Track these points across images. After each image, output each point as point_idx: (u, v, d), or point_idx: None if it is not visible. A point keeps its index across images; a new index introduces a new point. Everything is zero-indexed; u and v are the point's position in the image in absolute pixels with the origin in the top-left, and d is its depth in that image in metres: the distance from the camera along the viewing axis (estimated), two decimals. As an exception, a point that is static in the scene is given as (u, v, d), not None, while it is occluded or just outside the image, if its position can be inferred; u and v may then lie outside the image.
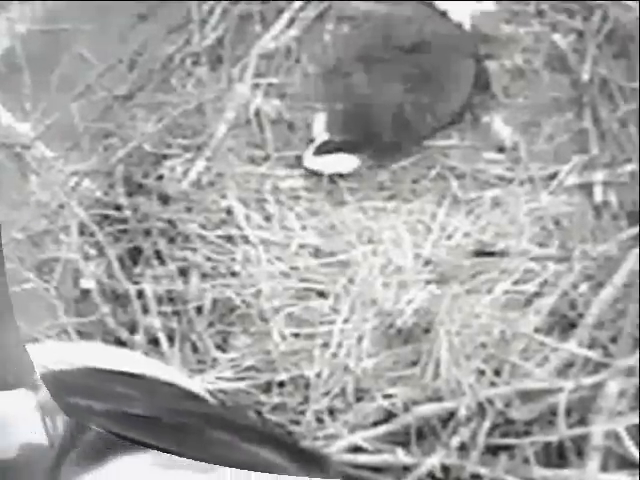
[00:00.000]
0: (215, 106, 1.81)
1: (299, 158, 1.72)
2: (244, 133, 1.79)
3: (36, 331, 1.44)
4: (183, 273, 1.55)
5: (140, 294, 1.53)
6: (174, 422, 0.53)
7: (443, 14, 1.76)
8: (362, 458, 1.31)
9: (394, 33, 1.78)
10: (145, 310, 1.51)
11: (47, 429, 0.70)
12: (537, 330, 1.41)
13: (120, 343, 1.45)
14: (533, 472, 1.29)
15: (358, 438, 1.32)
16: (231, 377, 1.39)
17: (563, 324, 1.43)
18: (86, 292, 1.55)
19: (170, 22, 2.07)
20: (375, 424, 1.34)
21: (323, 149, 1.71)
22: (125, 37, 2.07)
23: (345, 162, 1.70)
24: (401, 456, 1.30)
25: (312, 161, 1.70)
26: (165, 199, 1.67)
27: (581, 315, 1.43)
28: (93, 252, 1.62)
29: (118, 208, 1.68)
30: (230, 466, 0.50)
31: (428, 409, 1.33)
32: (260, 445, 0.55)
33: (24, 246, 1.63)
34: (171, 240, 1.60)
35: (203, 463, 0.45)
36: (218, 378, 1.38)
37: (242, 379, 1.39)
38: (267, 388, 1.39)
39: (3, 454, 0.80)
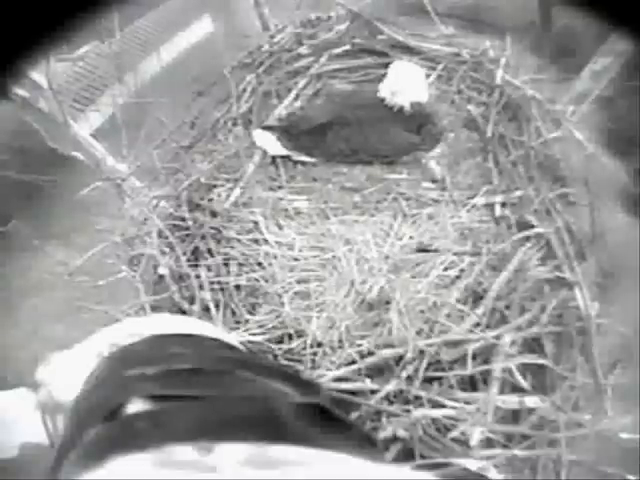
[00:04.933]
0: (247, 152, 1.78)
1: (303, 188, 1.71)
2: (265, 170, 1.76)
3: (119, 311, 1.40)
4: (226, 263, 1.52)
5: (197, 277, 1.50)
6: (213, 369, 0.47)
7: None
8: (343, 385, 1.29)
9: (359, 104, 1.77)
10: (200, 287, 1.48)
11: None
12: (457, 301, 1.39)
13: (182, 312, 1.42)
14: (455, 394, 1.29)
15: (340, 372, 1.30)
16: (257, 333, 1.37)
17: (474, 297, 1.41)
18: (161, 277, 1.52)
19: (218, 97, 2.05)
20: (351, 363, 1.32)
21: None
22: (188, 107, 2.05)
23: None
24: (369, 384, 1.29)
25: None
26: (214, 214, 1.63)
27: (486, 291, 1.41)
28: (167, 249, 1.59)
29: (183, 220, 1.64)
30: (252, 397, 0.44)
31: (386, 353, 1.31)
32: (274, 379, 0.49)
33: (120, 246, 1.61)
34: (218, 241, 1.57)
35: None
36: (248, 333, 1.37)
37: (264, 334, 1.37)
38: (280, 340, 1.37)
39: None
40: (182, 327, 0.62)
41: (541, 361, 1.34)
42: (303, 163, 1.76)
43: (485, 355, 1.31)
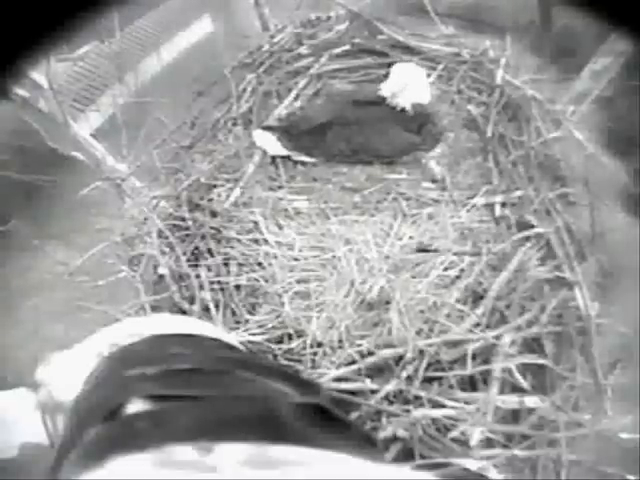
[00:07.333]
0: (247, 152, 1.78)
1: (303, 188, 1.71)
2: (265, 170, 1.76)
3: (119, 311, 1.40)
4: (226, 263, 1.52)
5: (197, 277, 1.49)
6: (213, 369, 0.47)
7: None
8: (343, 385, 1.29)
9: (359, 104, 1.76)
10: (201, 287, 1.47)
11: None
12: (457, 301, 1.39)
13: (182, 312, 1.42)
14: (455, 394, 1.28)
15: (340, 372, 1.30)
16: (256, 333, 1.37)
17: (474, 297, 1.41)
18: (161, 277, 1.52)
19: (218, 97, 2.05)
20: (351, 363, 1.31)
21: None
22: (188, 107, 2.05)
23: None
24: (369, 384, 1.29)
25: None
26: (214, 214, 1.63)
27: (486, 291, 1.41)
28: (167, 249, 1.58)
29: (183, 220, 1.64)
30: (252, 397, 0.44)
31: (386, 353, 1.31)
32: (274, 379, 0.48)
33: (120, 246, 1.61)
34: (218, 241, 1.57)
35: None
36: (248, 333, 1.36)
37: (264, 334, 1.37)
38: (280, 340, 1.37)
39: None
40: (182, 327, 0.62)
41: (541, 361, 1.34)
42: (303, 163, 1.76)
43: (485, 355, 1.31)
